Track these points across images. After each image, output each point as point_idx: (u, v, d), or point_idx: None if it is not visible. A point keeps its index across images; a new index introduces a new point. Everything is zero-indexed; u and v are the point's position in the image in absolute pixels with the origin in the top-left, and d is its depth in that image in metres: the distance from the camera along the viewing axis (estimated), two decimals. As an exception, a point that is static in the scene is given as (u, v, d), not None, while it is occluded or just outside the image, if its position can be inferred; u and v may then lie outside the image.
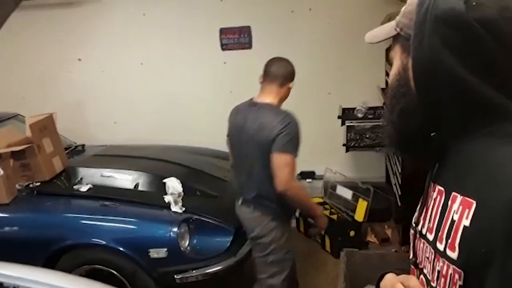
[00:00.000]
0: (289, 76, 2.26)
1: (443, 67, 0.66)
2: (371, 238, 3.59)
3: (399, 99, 0.76)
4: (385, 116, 0.81)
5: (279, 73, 2.23)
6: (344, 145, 3.65)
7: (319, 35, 4.14)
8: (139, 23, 4.35)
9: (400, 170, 3.07)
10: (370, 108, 3.41)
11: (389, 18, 3.35)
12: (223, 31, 4.26)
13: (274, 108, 2.20)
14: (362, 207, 3.45)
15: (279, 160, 2.08)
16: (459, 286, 0.64)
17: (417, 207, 2.55)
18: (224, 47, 4.29)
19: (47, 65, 4.57)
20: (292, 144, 2.10)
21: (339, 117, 3.39)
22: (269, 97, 2.24)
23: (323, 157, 4.02)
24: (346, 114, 3.42)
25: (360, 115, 3.29)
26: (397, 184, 3.26)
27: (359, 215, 3.46)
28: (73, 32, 4.45)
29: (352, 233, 3.37)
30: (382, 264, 2.47)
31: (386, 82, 4.03)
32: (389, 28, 0.79)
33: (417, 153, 0.84)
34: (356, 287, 2.35)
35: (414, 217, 0.83)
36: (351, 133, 3.79)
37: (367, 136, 3.74)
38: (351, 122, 3.36)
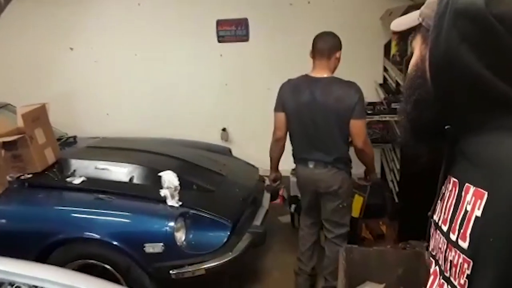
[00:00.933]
0: (334, 47, 2.52)
1: (459, 61, 0.66)
2: (366, 234, 3.57)
3: (415, 90, 0.76)
4: (400, 107, 0.84)
5: (325, 47, 2.49)
6: (341, 140, 3.61)
7: (318, 28, 4.04)
8: (134, 13, 4.28)
9: (398, 167, 3.05)
10: (369, 104, 3.39)
11: (390, 13, 3.29)
12: (220, 23, 4.20)
13: (342, 81, 2.50)
14: (358, 203, 3.42)
15: (358, 125, 2.45)
16: (467, 275, 0.65)
17: (416, 203, 2.50)
18: (221, 39, 4.24)
19: (38, 54, 4.48)
20: (364, 110, 2.57)
21: (338, 112, 3.37)
22: (325, 71, 2.50)
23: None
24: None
25: (359, 111, 3.26)
26: (394, 180, 3.25)
27: (355, 211, 3.42)
28: (65, 20, 4.36)
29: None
30: (380, 261, 2.46)
31: (384, 78, 4.02)
32: (413, 18, 0.79)
33: (431, 144, 0.84)
34: (355, 283, 2.33)
35: (431, 209, 0.83)
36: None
37: (364, 132, 3.71)
38: (350, 118, 3.32)
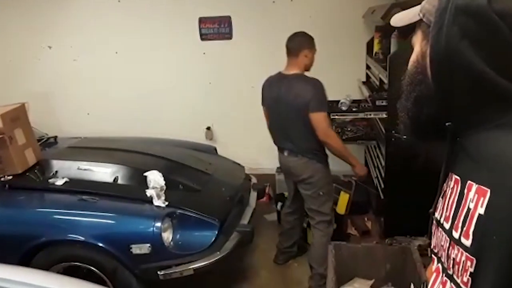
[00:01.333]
0: (301, 46, 2.68)
1: (459, 57, 0.66)
2: (351, 230, 3.60)
3: (415, 86, 0.76)
4: (400, 103, 0.81)
5: (293, 46, 2.69)
6: (326, 138, 3.63)
7: (301, 26, 4.01)
8: (114, 10, 4.20)
9: (383, 164, 3.07)
10: (354, 101, 3.41)
11: (373, 11, 3.31)
12: (202, 21, 4.16)
13: (302, 77, 2.68)
14: (344, 200, 3.45)
15: (316, 117, 2.61)
16: (470, 273, 0.65)
17: (401, 199, 2.52)
18: (204, 37, 4.20)
19: (14, 52, 4.36)
20: (323, 103, 2.65)
21: (324, 110, 3.38)
22: (294, 69, 2.69)
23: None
24: (331, 107, 3.40)
25: (344, 108, 3.28)
26: (379, 177, 3.28)
27: (341, 207, 3.46)
28: (43, 17, 4.25)
29: (334, 225, 3.36)
30: (368, 257, 2.47)
31: (367, 76, 4.05)
32: (414, 13, 0.78)
33: (431, 141, 0.85)
34: (344, 279, 2.34)
35: (433, 206, 0.83)
36: (332, 126, 3.77)
37: (348, 129, 3.74)
38: (336, 115, 3.34)
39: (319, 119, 2.61)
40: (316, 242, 2.90)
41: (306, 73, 2.75)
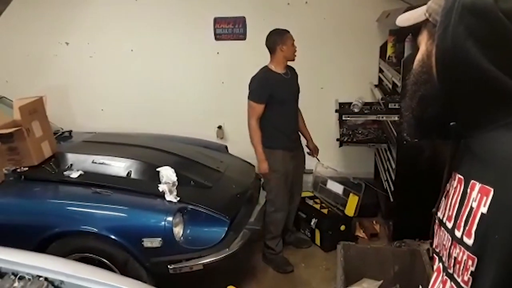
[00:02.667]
0: (271, 44, 3.00)
1: (465, 57, 0.65)
2: (359, 233, 3.60)
3: (420, 86, 0.76)
4: (404, 103, 0.81)
5: (268, 45, 3.03)
6: (337, 140, 3.65)
7: (314, 29, 4.13)
8: (131, 8, 4.25)
9: (394, 167, 3.08)
10: (366, 104, 3.42)
11: (387, 15, 3.32)
12: (217, 21, 4.20)
13: (259, 71, 3.04)
14: (353, 202, 3.46)
15: (247, 105, 3.00)
16: (471, 272, 0.65)
17: (411, 202, 2.50)
18: (218, 37, 4.24)
19: (33, 48, 4.43)
20: (253, 94, 2.97)
21: (336, 111, 3.39)
22: (272, 63, 3.03)
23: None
24: (342, 108, 3.42)
25: (356, 110, 3.30)
26: (389, 180, 3.28)
27: (350, 209, 3.47)
28: (61, 15, 4.32)
29: (343, 227, 3.37)
30: (377, 258, 2.49)
31: (379, 79, 4.06)
32: (420, 13, 0.78)
33: (436, 141, 0.85)
34: (352, 279, 2.36)
35: (436, 205, 0.83)
36: (343, 128, 3.79)
37: (359, 131, 3.75)
38: (348, 117, 3.36)
39: (248, 106, 2.98)
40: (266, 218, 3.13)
41: (290, 63, 3.06)
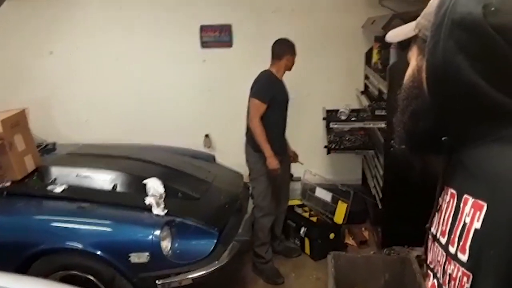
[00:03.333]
0: (280, 51, 3.10)
1: (456, 71, 0.65)
2: (349, 240, 3.60)
3: (411, 101, 0.76)
4: (396, 118, 0.81)
5: (274, 50, 3.13)
6: (325, 147, 3.64)
7: (300, 36, 4.09)
8: (116, 17, 4.21)
9: (381, 173, 3.08)
10: (353, 111, 3.43)
11: (372, 22, 3.35)
12: (203, 28, 4.18)
13: (262, 72, 3.10)
14: (341, 209, 3.46)
15: (251, 103, 3.01)
16: None
17: (399, 209, 2.50)
18: (204, 44, 4.22)
19: (16, 57, 4.35)
20: (260, 92, 3.00)
21: (324, 119, 3.40)
22: (269, 66, 3.13)
23: (302, 159, 4.01)
24: (330, 116, 3.42)
25: (343, 117, 3.30)
26: (377, 187, 3.29)
27: (339, 217, 3.47)
28: (45, 24, 4.25)
29: (332, 235, 3.37)
30: (367, 267, 2.48)
31: (365, 86, 4.07)
32: (409, 28, 0.78)
33: (428, 155, 0.85)
34: (343, 290, 2.34)
35: (429, 220, 0.82)
36: (330, 135, 3.79)
37: (347, 138, 3.75)
38: (335, 124, 3.36)
39: (252, 104, 2.99)
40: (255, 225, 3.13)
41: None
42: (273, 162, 2.96)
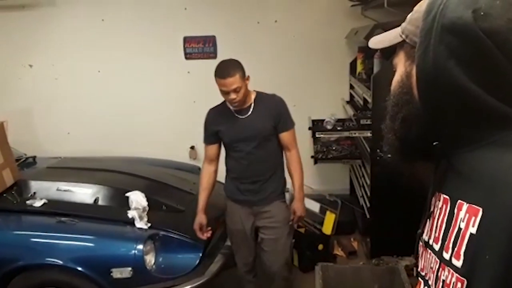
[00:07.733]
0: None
1: (447, 76, 0.65)
2: (338, 251, 3.56)
3: (402, 107, 0.75)
4: (385, 125, 0.80)
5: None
6: (312, 157, 3.63)
7: (284, 47, 4.14)
8: (98, 28, 4.16)
9: (368, 182, 3.07)
10: (339, 120, 3.42)
11: (356, 32, 3.38)
12: (187, 40, 4.16)
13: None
14: (330, 220, 3.42)
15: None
16: None
17: (387, 218, 2.49)
18: (188, 56, 4.19)
19: (-6, 70, 4.26)
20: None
21: (309, 129, 3.39)
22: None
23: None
24: (316, 126, 3.41)
25: (329, 127, 3.29)
26: (364, 196, 3.27)
27: (327, 228, 3.43)
28: (24, 36, 4.19)
29: (320, 246, 3.32)
30: (356, 278, 2.45)
31: (351, 95, 4.09)
32: (394, 35, 0.77)
33: (419, 161, 0.83)
34: (331, 302, 2.30)
35: (420, 227, 0.82)
36: (317, 145, 3.77)
37: (333, 148, 3.74)
38: (321, 134, 3.35)
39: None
40: None
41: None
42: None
